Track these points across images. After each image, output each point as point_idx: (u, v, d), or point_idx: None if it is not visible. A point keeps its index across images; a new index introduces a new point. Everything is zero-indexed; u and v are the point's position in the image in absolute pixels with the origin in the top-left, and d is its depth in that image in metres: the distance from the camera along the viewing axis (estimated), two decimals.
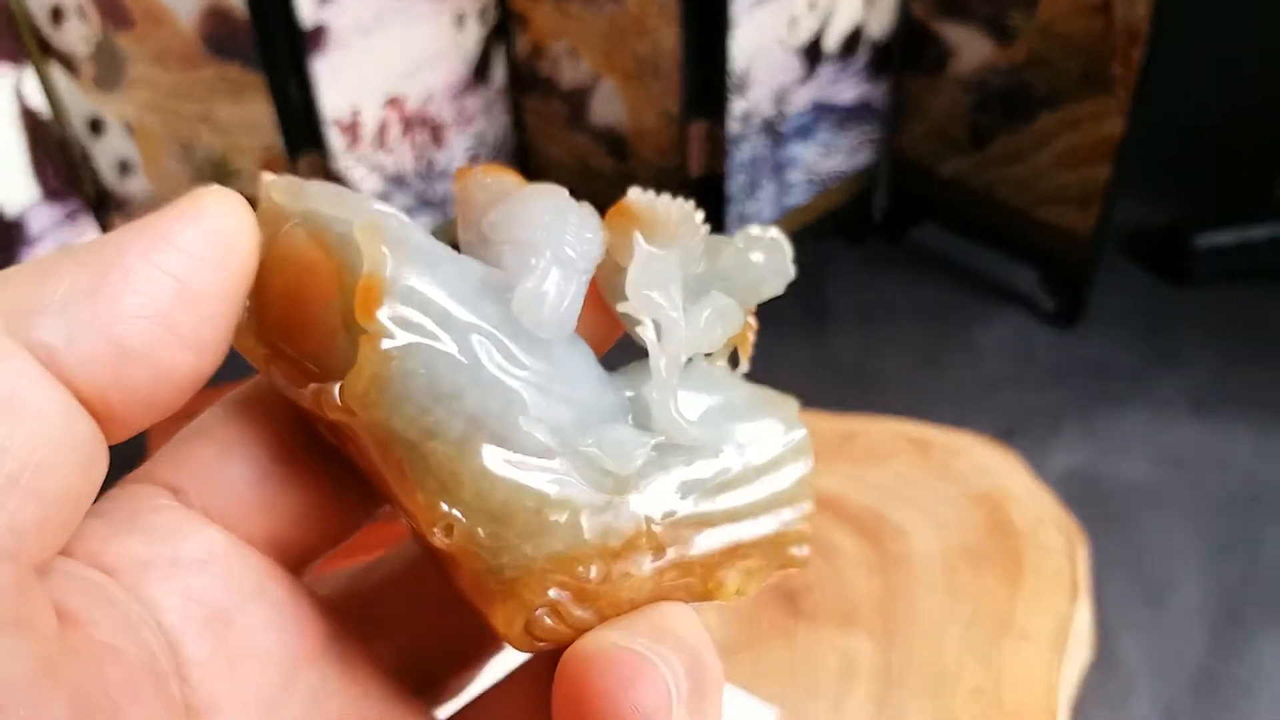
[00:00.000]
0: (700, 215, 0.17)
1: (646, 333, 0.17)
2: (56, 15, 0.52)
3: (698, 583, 0.17)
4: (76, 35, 0.52)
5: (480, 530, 0.16)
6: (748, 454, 0.18)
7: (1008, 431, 0.57)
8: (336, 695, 0.17)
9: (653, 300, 0.17)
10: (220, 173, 0.55)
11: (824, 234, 0.68)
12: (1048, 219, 0.62)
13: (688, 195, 0.17)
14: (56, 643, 0.13)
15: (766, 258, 0.18)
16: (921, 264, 0.69)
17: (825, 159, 0.64)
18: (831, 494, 0.50)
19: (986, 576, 0.46)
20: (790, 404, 0.18)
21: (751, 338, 0.18)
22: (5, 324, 0.13)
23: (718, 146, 0.57)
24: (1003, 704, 0.42)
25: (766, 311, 0.18)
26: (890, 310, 0.66)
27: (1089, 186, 0.58)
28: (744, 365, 0.18)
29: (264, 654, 0.16)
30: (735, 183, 0.58)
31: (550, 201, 0.16)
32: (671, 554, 0.17)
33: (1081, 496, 0.52)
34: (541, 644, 0.17)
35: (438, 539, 0.16)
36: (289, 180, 0.16)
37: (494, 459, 0.16)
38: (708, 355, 0.18)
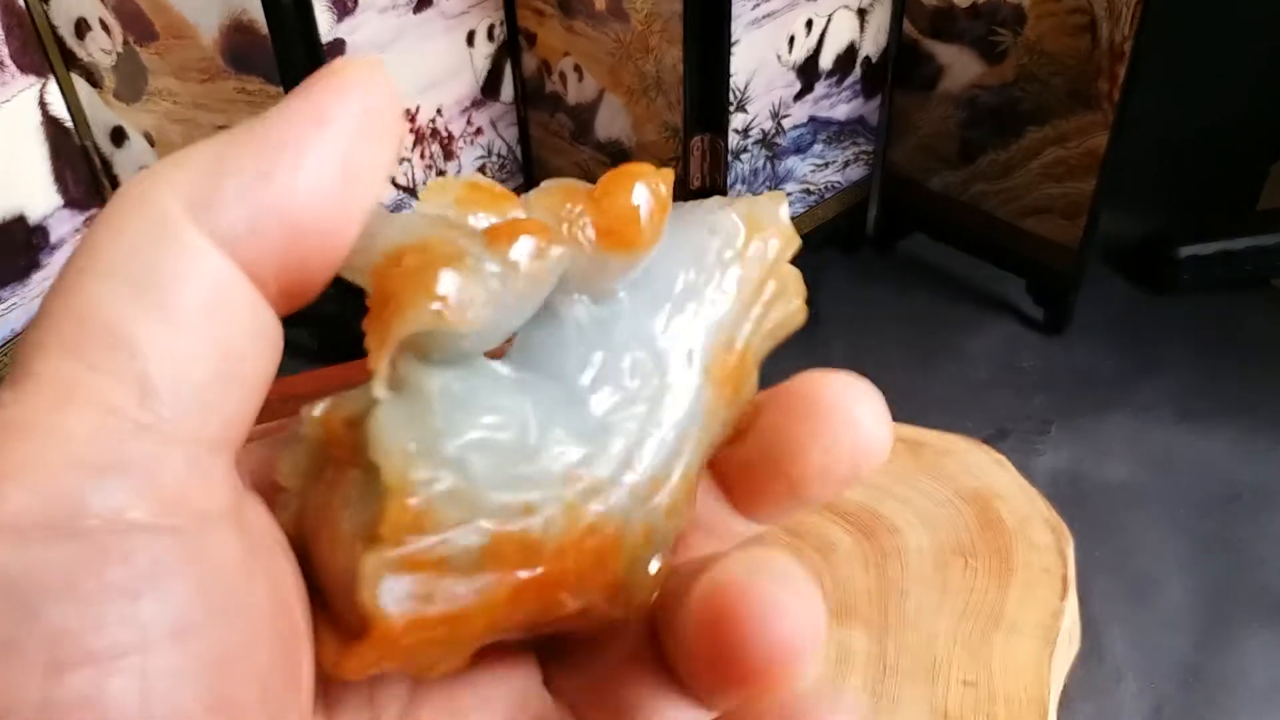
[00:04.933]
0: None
1: None
2: (80, 28, 0.53)
3: None
4: (99, 48, 0.53)
5: None
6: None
7: (996, 435, 0.58)
8: None
9: None
10: None
11: (818, 245, 0.70)
12: (1035, 230, 0.63)
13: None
14: (251, 528, 0.13)
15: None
16: (912, 274, 0.71)
17: (820, 172, 0.66)
18: None
19: (978, 572, 0.48)
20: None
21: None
22: (192, 217, 0.13)
23: (718, 159, 0.58)
24: (994, 693, 0.43)
25: None
26: (882, 318, 0.67)
27: (1075, 199, 0.60)
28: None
29: None
30: (734, 194, 0.60)
31: None
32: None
33: (1068, 497, 0.54)
34: None
35: None
36: None
37: None
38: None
